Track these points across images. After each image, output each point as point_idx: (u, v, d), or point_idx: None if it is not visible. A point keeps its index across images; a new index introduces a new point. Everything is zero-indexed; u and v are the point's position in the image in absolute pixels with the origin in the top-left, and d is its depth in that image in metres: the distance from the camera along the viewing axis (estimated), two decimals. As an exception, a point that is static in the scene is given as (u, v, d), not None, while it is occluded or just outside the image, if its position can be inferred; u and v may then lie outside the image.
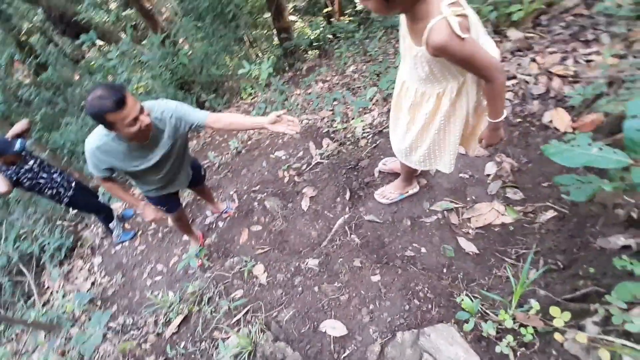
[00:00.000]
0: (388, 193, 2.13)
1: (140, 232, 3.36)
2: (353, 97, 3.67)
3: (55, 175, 2.78)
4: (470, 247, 1.84)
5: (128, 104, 1.35)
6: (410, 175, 2.04)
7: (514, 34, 2.83)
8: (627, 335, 0.98)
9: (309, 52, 6.51)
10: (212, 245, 2.58)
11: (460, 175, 2.19)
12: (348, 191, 2.34)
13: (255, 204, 2.73)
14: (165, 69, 4.67)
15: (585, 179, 1.21)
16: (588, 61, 2.37)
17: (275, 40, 6.73)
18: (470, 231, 1.93)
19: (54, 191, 2.75)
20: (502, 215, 1.94)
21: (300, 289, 1.78)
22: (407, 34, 1.20)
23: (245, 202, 2.81)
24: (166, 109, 1.58)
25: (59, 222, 3.98)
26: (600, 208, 1.57)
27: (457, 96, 1.33)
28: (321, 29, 6.82)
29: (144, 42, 5.74)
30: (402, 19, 1.21)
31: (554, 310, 1.12)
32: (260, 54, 6.89)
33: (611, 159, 0.98)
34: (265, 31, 7.01)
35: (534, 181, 2.04)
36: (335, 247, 1.97)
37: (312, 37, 6.81)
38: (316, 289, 1.73)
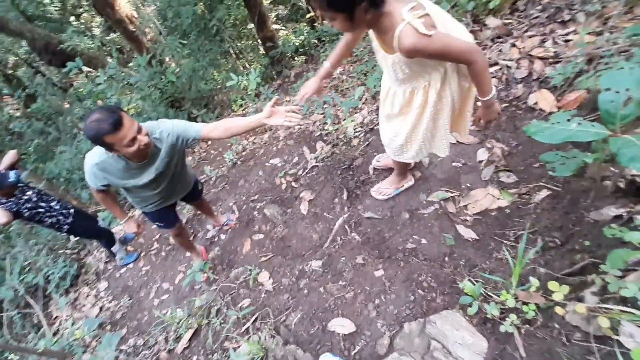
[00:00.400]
0: (384, 189, 2.16)
1: (143, 253, 3.37)
2: (342, 99, 3.71)
3: (53, 204, 2.79)
4: (469, 234, 1.86)
5: (125, 124, 1.38)
6: (404, 169, 2.07)
7: (492, 21, 2.88)
8: (624, 301, 1.00)
9: (296, 59, 6.58)
10: (216, 258, 2.60)
11: (453, 164, 2.22)
12: (345, 191, 2.36)
13: (255, 213, 2.75)
14: (154, 89, 4.71)
15: (569, 154, 1.24)
16: (566, 41, 2.42)
17: (261, 50, 6.80)
18: (468, 218, 1.95)
19: (54, 219, 2.76)
20: (498, 199, 1.97)
21: (306, 291, 1.80)
22: (378, 47, 1.27)
23: (245, 213, 2.83)
24: (164, 129, 1.62)
25: (61, 251, 3.99)
26: (591, 182, 1.60)
27: (442, 85, 1.38)
28: (305, 34, 6.90)
29: (130, 64, 5.80)
30: (371, 34, 1.27)
31: (552, 285, 1.14)
32: (247, 65, 6.96)
33: (590, 132, 1.02)
34: (251, 42, 7.08)
35: (525, 163, 2.07)
36: (337, 246, 1.99)
37: (297, 44, 6.88)
38: (322, 289, 1.75)
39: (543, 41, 2.53)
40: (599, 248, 1.30)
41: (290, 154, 3.20)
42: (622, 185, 1.32)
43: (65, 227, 2.84)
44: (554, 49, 2.43)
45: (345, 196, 2.33)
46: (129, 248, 3.54)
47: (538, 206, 1.83)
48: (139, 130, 1.44)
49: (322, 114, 3.42)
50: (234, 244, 2.60)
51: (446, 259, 1.78)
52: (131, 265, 3.35)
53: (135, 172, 1.62)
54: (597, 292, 1.11)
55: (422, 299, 1.52)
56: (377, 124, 2.78)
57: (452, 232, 1.89)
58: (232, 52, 6.19)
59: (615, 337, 0.97)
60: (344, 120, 3.04)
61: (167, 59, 5.85)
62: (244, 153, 3.64)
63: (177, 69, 5.20)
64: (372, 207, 2.15)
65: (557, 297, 1.12)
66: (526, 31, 2.70)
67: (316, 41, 6.42)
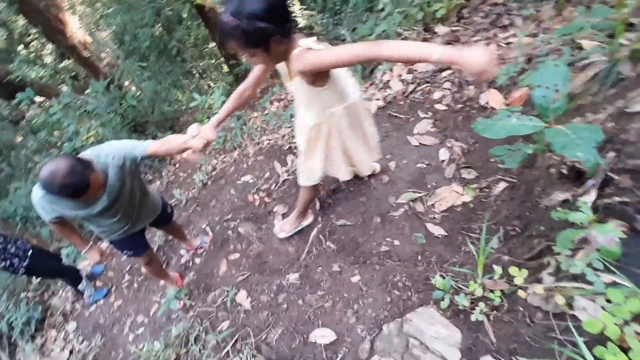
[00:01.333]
0: (286, 227, 2.24)
1: (114, 287, 3.20)
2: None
3: (9, 246, 2.61)
4: (438, 231, 1.94)
5: (92, 188, 1.36)
6: (305, 208, 2.16)
7: (441, 29, 3.06)
8: (576, 278, 1.08)
9: (260, 75, 6.63)
10: (191, 284, 2.52)
11: (418, 165, 2.31)
12: (317, 201, 2.39)
13: (230, 232, 2.71)
14: (115, 114, 4.57)
15: (514, 147, 1.34)
16: (508, 44, 2.62)
17: (225, 68, 6.80)
18: (436, 216, 2.03)
19: (7, 262, 2.57)
20: (462, 195, 2.06)
21: (285, 305, 1.78)
22: (287, 78, 1.38)
23: (219, 233, 2.77)
24: (109, 152, 1.57)
25: (23, 295, 3.70)
26: (541, 171, 1.72)
27: (334, 119, 1.51)
28: (267, 50, 6.97)
29: (88, 91, 5.59)
30: (280, 67, 1.36)
31: (513, 270, 1.21)
32: (211, 84, 6.92)
33: (528, 125, 1.11)
34: (214, 60, 7.06)
35: (482, 159, 2.19)
36: (313, 257, 2.00)
37: (260, 60, 6.94)
38: (300, 302, 1.74)
39: (488, 45, 2.72)
40: (552, 231, 1.39)
41: (261, 169, 3.20)
42: (564, 171, 1.43)
43: (21, 270, 2.65)
44: (498, 51, 2.62)
45: (317, 206, 2.35)
46: (98, 283, 3.35)
47: (498, 198, 1.94)
48: (96, 178, 1.42)
49: (289, 127, 3.46)
50: (209, 266, 2.54)
51: (419, 257, 1.84)
52: (101, 302, 3.16)
53: (84, 203, 1.56)
54: (553, 273, 1.19)
55: (398, 299, 1.55)
56: (343, 132, 2.85)
57: (422, 231, 1.96)
58: (195, 72, 6.14)
59: (571, 312, 1.04)
60: (311, 131, 3.09)
61: (126, 83, 5.71)
62: (214, 173, 3.59)
63: (138, 93, 5.08)
64: (344, 214, 2.19)
65: (519, 281, 1.19)
66: (472, 36, 2.90)
67: (279, 56, 6.51)
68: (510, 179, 1.98)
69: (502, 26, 2.83)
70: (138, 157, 1.62)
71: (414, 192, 2.17)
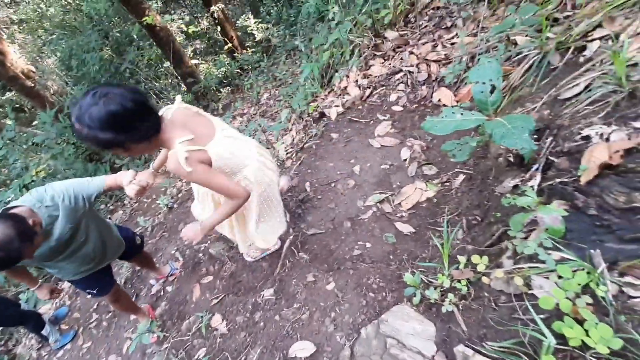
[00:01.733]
0: (252, 252, 2.23)
1: (81, 329, 2.97)
2: (272, 122, 3.77)
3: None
4: (407, 229, 1.98)
5: (28, 253, 1.27)
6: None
7: (390, 34, 3.19)
8: (531, 259, 1.15)
9: (221, 90, 6.55)
10: (164, 314, 2.39)
11: (382, 167, 2.37)
12: (287, 213, 2.37)
13: (201, 255, 2.62)
14: (67, 144, 4.32)
15: (462, 141, 1.41)
16: (452, 44, 2.77)
17: (183, 87, 6.65)
18: (404, 214, 2.08)
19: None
20: (425, 191, 2.13)
21: (262, 324, 1.74)
22: None
23: (189, 257, 2.67)
24: (55, 193, 1.45)
25: (-20, 348, 3.35)
26: (492, 160, 1.82)
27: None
28: (227, 65, 6.93)
29: (35, 122, 5.25)
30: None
31: (475, 258, 1.26)
32: (170, 104, 6.73)
33: (471, 119, 1.18)
34: (170, 80, 6.89)
35: (441, 154, 2.29)
36: (287, 270, 1.98)
37: (220, 76, 6.87)
38: (277, 317, 1.71)
39: (434, 46, 2.87)
40: (508, 217, 1.47)
41: (228, 186, 3.13)
42: (511, 159, 1.53)
43: (-26, 321, 2.41)
44: (444, 52, 2.76)
45: (288, 218, 2.33)
46: (64, 326, 3.10)
47: (458, 190, 2.03)
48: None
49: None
50: (182, 293, 2.43)
51: (390, 257, 1.87)
52: (69, 346, 2.93)
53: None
54: (511, 256, 1.25)
55: (373, 301, 1.57)
56: (307, 142, 2.87)
57: (392, 231, 2.00)
58: (151, 93, 5.95)
59: (530, 292, 1.10)
60: (275, 143, 3.08)
61: (78, 111, 5.42)
62: (179, 195, 3.48)
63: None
64: (315, 223, 2.19)
65: (481, 268, 1.24)
66: (420, 39, 3.04)
67: (239, 70, 6.48)
68: (467, 171, 2.07)
69: (445, 28, 2.99)
70: (93, 194, 1.53)
71: (380, 193, 2.21)
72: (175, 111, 1.30)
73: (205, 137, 1.27)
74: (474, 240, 1.64)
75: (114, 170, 4.41)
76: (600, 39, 1.64)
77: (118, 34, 5.49)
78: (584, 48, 1.68)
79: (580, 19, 1.80)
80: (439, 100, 2.53)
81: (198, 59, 7.55)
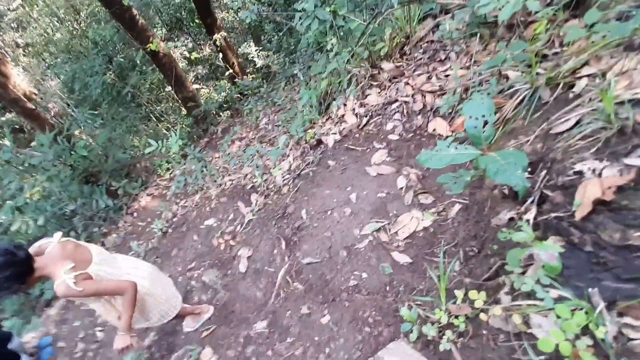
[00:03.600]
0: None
1: None
2: (270, 148, 3.80)
3: None
4: (403, 259, 1.96)
5: None
6: (190, 313, 2.22)
7: (386, 65, 3.29)
8: (529, 295, 1.13)
9: (221, 115, 6.66)
10: (153, 345, 2.30)
11: (378, 195, 2.37)
12: (283, 240, 2.34)
13: (193, 282, 2.56)
14: (64, 166, 4.31)
15: (457, 174, 1.42)
16: (446, 76, 2.86)
17: (183, 111, 6.75)
18: (400, 243, 2.06)
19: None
20: (422, 220, 2.13)
21: (254, 359, 1.67)
22: None
23: (182, 285, 2.61)
24: None
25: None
26: (488, 191, 1.83)
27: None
28: (227, 91, 7.08)
29: (33, 144, 5.27)
30: None
31: (472, 294, 1.24)
32: (170, 127, 6.81)
33: (465, 154, 1.20)
34: (171, 104, 7.01)
35: (437, 183, 2.30)
36: (281, 301, 1.93)
37: (220, 100, 7.00)
38: (270, 352, 1.65)
39: (429, 77, 2.96)
40: (505, 249, 1.46)
41: (225, 211, 3.12)
42: (506, 192, 1.54)
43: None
44: (438, 83, 2.85)
45: (283, 245, 2.30)
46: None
47: (454, 220, 2.02)
48: None
49: (251, 166, 3.45)
50: (172, 323, 2.35)
51: (387, 288, 1.83)
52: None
53: None
54: (509, 291, 1.23)
55: (369, 336, 1.52)
56: (303, 169, 2.89)
57: (388, 261, 1.97)
58: (152, 116, 6.04)
59: (529, 331, 1.07)
60: (273, 169, 3.10)
61: (77, 132, 5.46)
62: (174, 219, 3.44)
63: (90, 142, 4.87)
64: (310, 252, 2.16)
65: (479, 304, 1.22)
66: (415, 71, 3.14)
67: (239, 96, 6.62)
68: (464, 200, 2.08)
69: (439, 60, 3.10)
70: None
71: (376, 222, 2.20)
72: (54, 246, 1.52)
73: (85, 263, 1.54)
74: (471, 273, 1.62)
75: (110, 193, 4.38)
76: (587, 76, 1.70)
77: (122, 59, 5.63)
78: (573, 85, 1.74)
79: (568, 56, 1.88)
80: (434, 129, 2.57)
81: (199, 84, 7.72)
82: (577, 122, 1.54)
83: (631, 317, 0.96)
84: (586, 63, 1.76)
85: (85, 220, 4.18)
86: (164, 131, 6.23)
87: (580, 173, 1.32)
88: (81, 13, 7.43)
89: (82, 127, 5.22)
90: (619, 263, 1.03)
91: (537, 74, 1.92)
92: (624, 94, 1.43)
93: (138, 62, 5.66)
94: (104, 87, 5.42)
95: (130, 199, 4.43)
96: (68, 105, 6.89)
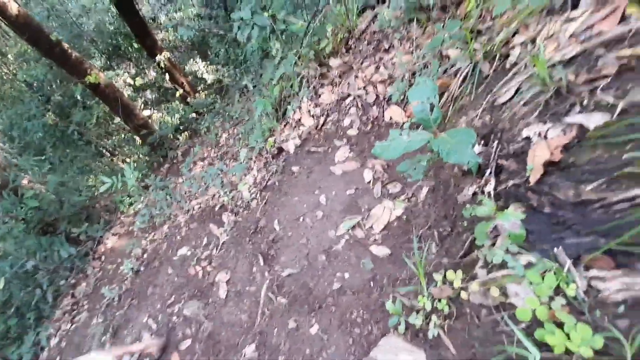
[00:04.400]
0: None
1: None
2: (234, 163, 3.70)
3: None
4: (382, 251, 1.95)
5: None
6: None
7: (334, 62, 3.29)
8: (502, 266, 1.14)
9: (179, 137, 6.42)
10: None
11: (347, 192, 2.36)
12: (260, 257, 2.27)
13: (175, 318, 2.42)
14: (16, 221, 3.97)
15: (416, 159, 1.43)
16: (393, 64, 2.91)
17: (138, 140, 6.45)
18: (377, 237, 2.05)
19: None
20: (394, 210, 2.13)
21: (247, 386, 1.60)
22: None
23: (163, 323, 2.46)
24: None
25: None
26: (450, 170, 1.86)
27: None
28: (181, 111, 6.84)
29: (-25, 204, 4.81)
30: None
31: (450, 275, 1.25)
32: (126, 160, 6.48)
33: (417, 140, 1.20)
34: (123, 135, 6.67)
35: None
36: (266, 319, 1.86)
37: (175, 123, 6.74)
38: (262, 376, 1.58)
39: (377, 68, 2.99)
40: (473, 224, 1.48)
41: (197, 237, 2.99)
42: (464, 168, 1.57)
43: None
44: (387, 72, 2.88)
45: (261, 261, 2.23)
46: None
47: (424, 203, 2.04)
48: None
49: (216, 185, 3.34)
50: (158, 365, 2.21)
51: (371, 284, 1.81)
52: None
53: None
54: (483, 265, 1.24)
55: (360, 337, 1.49)
56: (269, 179, 2.83)
57: (368, 256, 1.96)
58: (104, 151, 5.71)
59: (508, 301, 1.09)
60: (240, 184, 3.01)
61: (24, 182, 5.06)
62: (145, 256, 3.26)
63: (40, 190, 4.52)
64: (289, 262, 2.10)
65: (457, 283, 1.22)
66: (362, 63, 3.17)
67: (195, 115, 6.42)
68: (430, 183, 2.11)
69: (384, 50, 3.14)
70: None
71: (350, 219, 2.18)
72: None
73: None
74: (448, 252, 1.63)
75: (71, 240, 4.08)
76: (520, 45, 1.77)
77: (60, 97, 5.28)
78: (508, 55, 1.80)
79: (500, 28, 1.95)
80: (391, 118, 2.60)
81: (150, 109, 7.40)
82: (518, 90, 1.60)
83: (597, 269, 0.99)
84: (516, 32, 1.83)
85: (49, 275, 3.87)
86: (120, 165, 5.92)
87: (528, 138, 1.36)
88: (8, 56, 6.91)
89: (29, 176, 4.83)
90: (576, 219, 1.07)
91: (474, 49, 1.98)
92: (554, 56, 1.49)
93: (79, 97, 5.34)
94: (46, 129, 5.06)
95: (94, 243, 4.15)
96: (10, 154, 6.38)
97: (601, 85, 1.21)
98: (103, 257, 3.96)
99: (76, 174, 4.86)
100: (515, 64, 1.74)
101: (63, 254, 3.89)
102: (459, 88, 2.00)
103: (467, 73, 1.98)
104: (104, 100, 5.31)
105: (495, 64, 1.84)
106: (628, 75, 1.17)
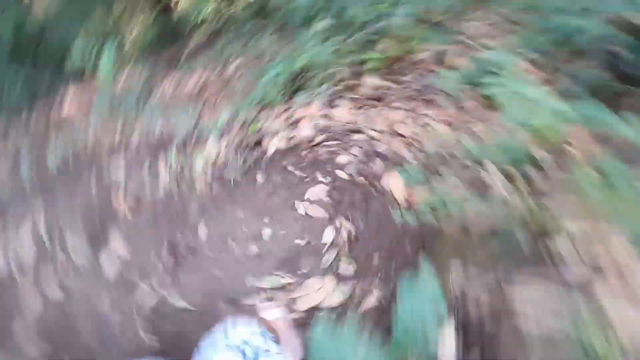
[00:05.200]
0: None
1: None
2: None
3: None
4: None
5: None
6: None
7: (370, 80, 2.75)
8: None
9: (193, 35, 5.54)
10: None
11: (297, 241, 1.99)
12: (172, 257, 1.89)
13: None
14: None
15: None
16: (423, 126, 2.44)
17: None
18: (297, 315, 1.74)
19: None
20: (331, 296, 1.80)
21: None
22: None
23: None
24: None
25: None
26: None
27: None
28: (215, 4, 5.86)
29: None
30: None
31: None
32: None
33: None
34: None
35: (367, 252, 1.96)
36: None
37: (206, 13, 5.77)
38: None
39: (406, 116, 2.53)
40: None
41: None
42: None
43: None
44: (412, 128, 2.43)
45: (171, 263, 1.85)
46: None
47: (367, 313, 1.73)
48: None
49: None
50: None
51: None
52: None
53: None
54: None
55: None
56: (229, 172, 2.36)
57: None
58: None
59: None
60: (199, 150, 2.53)
61: None
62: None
63: None
64: (188, 291, 1.76)
65: None
66: (394, 100, 2.67)
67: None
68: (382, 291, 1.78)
69: (424, 99, 2.67)
70: None
71: (280, 276, 1.84)
72: None
73: None
74: None
75: None
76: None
77: None
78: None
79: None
80: (390, 186, 2.20)
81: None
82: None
83: None
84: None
85: None
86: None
87: None
88: None
89: None
90: None
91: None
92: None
93: None
94: None
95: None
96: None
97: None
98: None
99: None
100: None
101: None
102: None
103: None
104: None
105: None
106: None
